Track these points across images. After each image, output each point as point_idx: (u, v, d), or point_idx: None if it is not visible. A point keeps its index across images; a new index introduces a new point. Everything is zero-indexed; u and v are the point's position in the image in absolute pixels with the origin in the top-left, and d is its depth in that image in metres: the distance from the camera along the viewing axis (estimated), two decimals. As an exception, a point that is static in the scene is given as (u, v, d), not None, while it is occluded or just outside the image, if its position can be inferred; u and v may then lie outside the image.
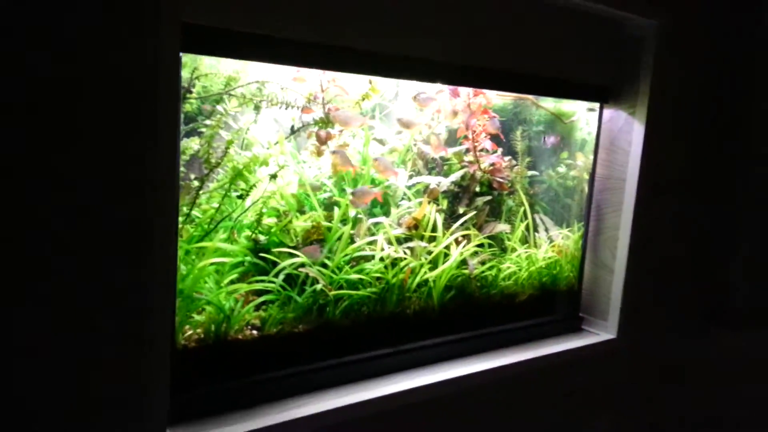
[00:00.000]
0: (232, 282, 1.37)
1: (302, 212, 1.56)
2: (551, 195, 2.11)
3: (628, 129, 1.95)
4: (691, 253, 2.31)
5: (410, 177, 1.78)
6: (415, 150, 1.81)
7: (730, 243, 2.30)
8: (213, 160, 1.24)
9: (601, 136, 2.02)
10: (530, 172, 2.05)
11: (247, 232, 1.47)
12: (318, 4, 1.26)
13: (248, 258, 1.42)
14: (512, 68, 1.69)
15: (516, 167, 1.99)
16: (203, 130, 1.27)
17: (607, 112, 2.00)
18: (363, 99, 1.51)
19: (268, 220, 1.50)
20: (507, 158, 1.95)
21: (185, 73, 1.31)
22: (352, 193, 1.48)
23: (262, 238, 1.46)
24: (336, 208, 1.58)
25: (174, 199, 1.08)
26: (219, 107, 1.27)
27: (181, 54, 1.12)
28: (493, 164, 1.85)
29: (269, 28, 1.21)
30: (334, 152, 1.47)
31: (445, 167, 1.88)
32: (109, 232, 1.02)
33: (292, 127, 1.48)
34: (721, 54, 2.19)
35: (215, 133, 1.25)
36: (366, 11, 1.33)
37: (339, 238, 1.52)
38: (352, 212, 1.57)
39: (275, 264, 1.43)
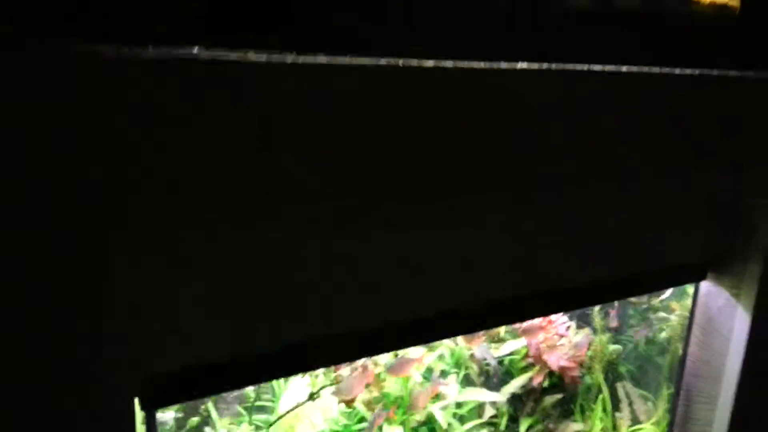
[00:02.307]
0: None
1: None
2: (640, 358, 1.82)
3: (730, 312, 1.61)
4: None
5: (461, 387, 1.54)
6: (468, 353, 1.56)
7: None
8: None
9: (696, 312, 1.68)
10: (612, 347, 1.76)
11: None
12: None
13: None
14: (584, 282, 1.39)
15: (593, 342, 1.71)
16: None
17: (705, 285, 1.66)
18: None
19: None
20: (583, 335, 1.67)
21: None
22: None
23: None
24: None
25: None
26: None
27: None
28: (563, 370, 1.57)
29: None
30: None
31: (505, 363, 1.62)
32: None
33: (311, 394, 1.27)
34: None
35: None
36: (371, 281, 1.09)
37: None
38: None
39: None
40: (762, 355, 1.60)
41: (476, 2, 1.13)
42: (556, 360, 1.54)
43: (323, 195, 0.95)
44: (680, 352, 1.73)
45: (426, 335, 1.26)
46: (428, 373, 1.54)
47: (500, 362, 1.60)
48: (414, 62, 1.01)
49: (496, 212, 1.20)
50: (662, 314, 1.81)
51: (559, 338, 1.59)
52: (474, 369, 1.56)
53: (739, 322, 1.60)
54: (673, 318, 1.79)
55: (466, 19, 1.12)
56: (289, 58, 0.91)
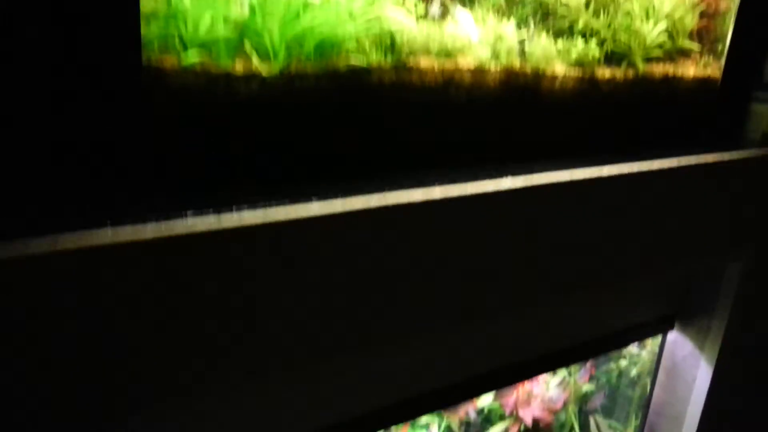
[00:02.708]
0: None
1: None
2: (611, 387, 1.94)
3: (694, 362, 1.72)
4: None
5: (443, 438, 1.64)
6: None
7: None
8: None
9: (662, 357, 1.79)
10: (586, 387, 1.86)
11: None
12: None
13: None
14: (561, 349, 1.48)
15: (568, 384, 1.81)
16: None
17: (672, 333, 1.76)
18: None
19: None
20: (558, 387, 1.77)
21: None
22: None
23: None
24: None
25: None
26: None
27: None
28: (537, 420, 1.68)
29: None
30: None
31: (485, 411, 1.72)
32: None
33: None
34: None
35: None
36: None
37: None
38: None
39: None
40: (722, 404, 1.72)
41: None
42: (530, 414, 1.64)
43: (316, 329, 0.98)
44: (648, 386, 1.85)
45: (408, 415, 1.34)
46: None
47: (480, 411, 1.70)
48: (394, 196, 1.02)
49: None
50: (634, 350, 1.91)
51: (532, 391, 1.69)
52: (455, 421, 1.66)
53: (702, 372, 1.71)
54: (644, 354, 1.90)
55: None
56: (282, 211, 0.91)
